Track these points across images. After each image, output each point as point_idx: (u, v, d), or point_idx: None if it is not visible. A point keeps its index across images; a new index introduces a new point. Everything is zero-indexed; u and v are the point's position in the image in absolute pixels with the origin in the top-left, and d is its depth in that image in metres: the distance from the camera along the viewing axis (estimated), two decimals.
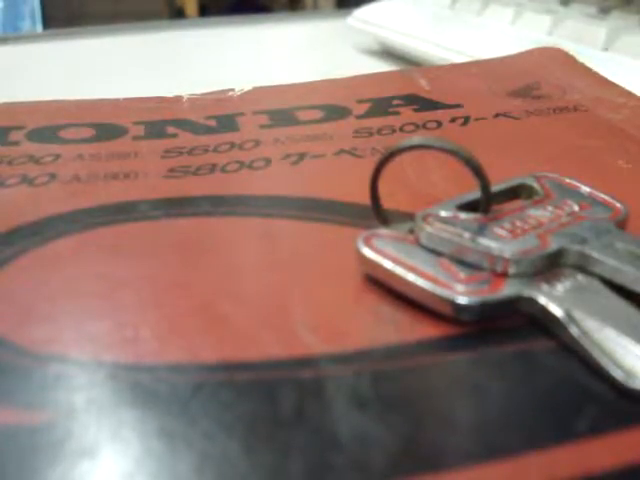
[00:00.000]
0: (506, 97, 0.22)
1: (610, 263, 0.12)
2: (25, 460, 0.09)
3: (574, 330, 0.11)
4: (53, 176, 0.17)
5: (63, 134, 0.20)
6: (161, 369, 0.11)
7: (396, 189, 0.16)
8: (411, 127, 0.20)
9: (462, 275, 0.12)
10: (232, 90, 0.23)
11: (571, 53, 0.26)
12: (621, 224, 0.13)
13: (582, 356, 0.11)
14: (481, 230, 0.13)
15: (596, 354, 0.11)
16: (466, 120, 0.20)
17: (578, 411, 0.10)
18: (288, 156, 0.18)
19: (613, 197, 0.14)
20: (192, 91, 0.23)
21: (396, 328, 0.12)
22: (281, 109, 0.21)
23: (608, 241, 0.13)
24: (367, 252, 0.13)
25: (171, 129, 0.20)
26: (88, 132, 0.20)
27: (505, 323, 0.12)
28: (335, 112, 0.21)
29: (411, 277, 0.12)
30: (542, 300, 0.12)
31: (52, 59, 0.38)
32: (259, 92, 0.23)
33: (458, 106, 0.21)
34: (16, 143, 0.19)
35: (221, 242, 0.15)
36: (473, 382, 0.11)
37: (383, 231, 0.13)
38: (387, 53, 0.37)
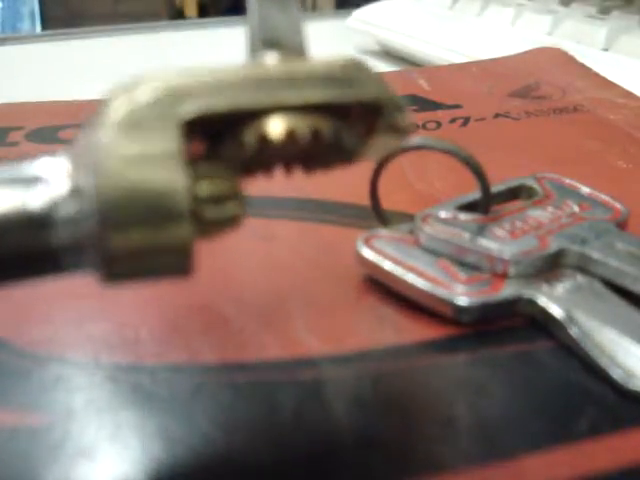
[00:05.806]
0: (506, 97, 0.22)
1: (610, 264, 0.12)
2: (24, 461, 0.09)
3: (574, 331, 0.11)
4: None
5: (62, 135, 0.20)
6: (161, 370, 0.11)
7: (396, 189, 0.16)
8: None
9: (462, 276, 0.12)
10: None
11: (571, 53, 0.25)
12: (621, 225, 0.13)
13: (582, 357, 0.11)
14: (481, 231, 0.13)
15: (596, 355, 0.11)
16: (466, 121, 0.20)
17: (578, 412, 0.10)
18: None
19: (613, 198, 0.14)
20: None
21: (396, 329, 0.12)
22: None
23: (608, 242, 0.13)
24: (367, 253, 0.13)
25: None
26: None
27: (505, 324, 0.12)
28: None
29: (411, 278, 0.12)
30: (542, 301, 0.12)
31: (51, 59, 0.38)
32: None
33: (458, 106, 0.21)
34: (15, 144, 0.19)
35: (221, 243, 0.14)
36: (473, 383, 0.11)
37: (383, 232, 0.13)
38: (387, 53, 0.37)
